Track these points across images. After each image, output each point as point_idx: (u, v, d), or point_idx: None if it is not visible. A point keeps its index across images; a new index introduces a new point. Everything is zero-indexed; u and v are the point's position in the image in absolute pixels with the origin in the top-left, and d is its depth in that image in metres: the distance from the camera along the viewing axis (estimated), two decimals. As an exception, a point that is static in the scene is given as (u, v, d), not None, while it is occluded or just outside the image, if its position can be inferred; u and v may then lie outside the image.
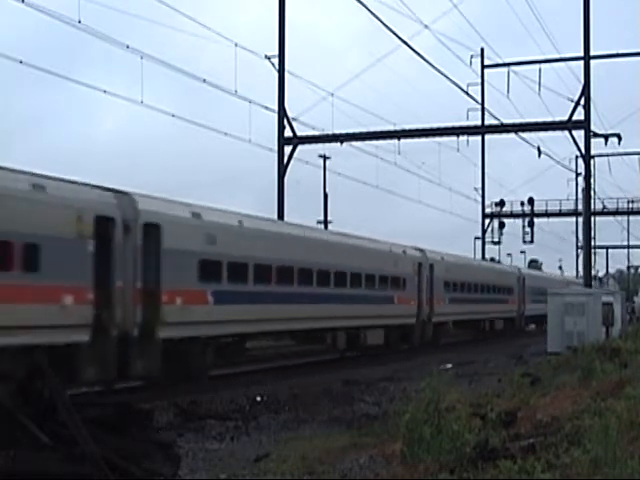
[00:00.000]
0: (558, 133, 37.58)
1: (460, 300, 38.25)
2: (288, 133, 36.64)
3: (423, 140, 39.05)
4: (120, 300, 17.17)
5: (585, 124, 35.71)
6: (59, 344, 15.37)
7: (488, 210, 60.51)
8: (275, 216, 34.56)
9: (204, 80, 31.03)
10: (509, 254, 79.97)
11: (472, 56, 51.66)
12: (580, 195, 46.32)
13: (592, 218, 42.82)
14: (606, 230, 72.57)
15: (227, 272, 20.85)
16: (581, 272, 46.85)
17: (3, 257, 14.53)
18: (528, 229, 61.12)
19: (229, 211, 22.83)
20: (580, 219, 47.10)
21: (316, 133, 37.41)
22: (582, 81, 36.45)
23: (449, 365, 25.54)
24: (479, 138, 51.70)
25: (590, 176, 38.27)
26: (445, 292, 36.41)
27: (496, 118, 36.26)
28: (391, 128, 38.48)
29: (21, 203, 15.02)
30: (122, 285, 17.22)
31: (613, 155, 52.81)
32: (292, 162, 37.02)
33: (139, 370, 17.83)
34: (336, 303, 26.33)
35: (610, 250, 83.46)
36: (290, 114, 36.57)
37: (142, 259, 17.83)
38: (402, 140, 38.35)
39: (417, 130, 38.17)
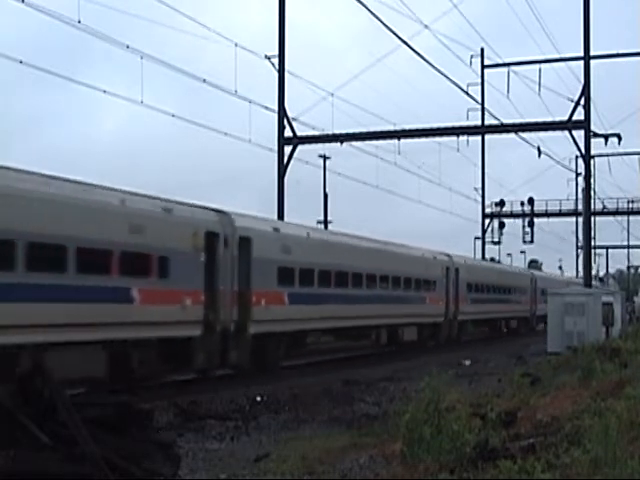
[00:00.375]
0: (558, 133, 37.61)
1: (481, 300, 41.10)
2: (288, 133, 36.64)
3: (423, 140, 39.06)
4: (222, 301, 20.70)
5: (585, 124, 35.70)
6: (181, 337, 19.26)
7: (488, 210, 60.51)
8: (275, 216, 34.57)
9: (204, 80, 31.06)
10: (509, 254, 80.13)
11: (472, 56, 51.75)
12: (580, 195, 46.37)
13: (592, 218, 42.81)
14: (606, 230, 72.67)
15: (299, 277, 24.44)
16: (581, 272, 46.81)
17: (145, 267, 18.28)
18: (528, 229, 61.15)
19: (300, 225, 27.53)
20: (580, 219, 47.12)
21: (316, 133, 37.42)
22: (582, 81, 36.45)
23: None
24: (479, 138, 51.72)
25: (590, 176, 38.26)
26: (468, 293, 39.25)
27: (496, 118, 36.29)
28: (391, 128, 38.49)
29: (157, 223, 18.74)
30: (223, 289, 20.78)
31: (613, 155, 52.87)
32: (292, 162, 37.04)
33: (234, 360, 21.29)
34: (380, 303, 29.41)
35: (610, 250, 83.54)
36: (290, 114, 36.58)
37: (237, 267, 21.44)
38: (402, 140, 38.35)
39: (417, 130, 38.17)
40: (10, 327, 14.59)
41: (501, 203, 60.43)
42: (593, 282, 71.44)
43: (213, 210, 21.44)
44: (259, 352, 22.30)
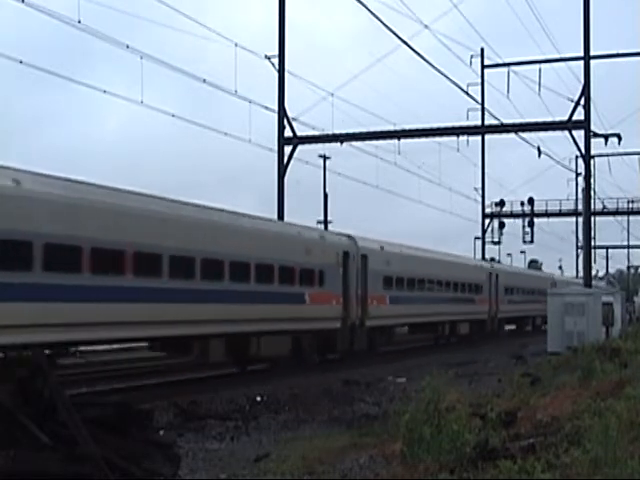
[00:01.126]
0: (558, 133, 37.58)
1: (515, 301, 47.92)
2: (288, 133, 36.64)
3: (423, 140, 39.01)
4: (351, 302, 27.77)
5: (585, 124, 35.69)
6: (330, 329, 26.58)
7: (488, 210, 60.48)
8: (275, 216, 34.59)
9: (204, 80, 31.06)
10: (509, 254, 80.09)
11: (472, 56, 51.71)
12: (580, 195, 46.37)
13: (592, 218, 42.80)
14: (606, 230, 72.65)
15: (395, 283, 31.45)
16: (581, 272, 46.83)
17: (314, 278, 25.67)
18: (528, 229, 61.14)
19: (396, 244, 33.54)
20: (580, 219, 47.11)
21: (316, 133, 37.40)
22: (582, 81, 36.44)
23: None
24: (479, 138, 51.69)
25: (590, 176, 38.25)
26: (505, 295, 45.86)
27: (496, 118, 36.28)
28: (391, 128, 38.46)
29: (318, 247, 26.29)
30: (352, 293, 27.82)
31: (613, 155, 52.85)
32: (292, 162, 37.04)
33: (358, 346, 28.06)
34: (447, 303, 36.77)
35: (610, 250, 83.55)
36: (290, 114, 36.58)
37: (361, 277, 28.50)
38: (402, 140, 38.31)
39: (417, 130, 38.16)
40: (239, 321, 21.57)
41: (501, 203, 60.42)
42: (601, 283, 71.67)
43: (345, 235, 29.01)
44: (371, 341, 29.31)
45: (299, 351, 24.84)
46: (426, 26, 32.04)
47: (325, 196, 50.53)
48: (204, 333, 20.60)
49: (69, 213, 16.59)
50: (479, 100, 44.58)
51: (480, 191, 59.48)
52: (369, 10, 18.52)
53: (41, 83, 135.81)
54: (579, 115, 35.69)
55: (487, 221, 60.35)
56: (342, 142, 38.20)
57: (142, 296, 18.18)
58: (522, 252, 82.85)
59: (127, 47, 26.79)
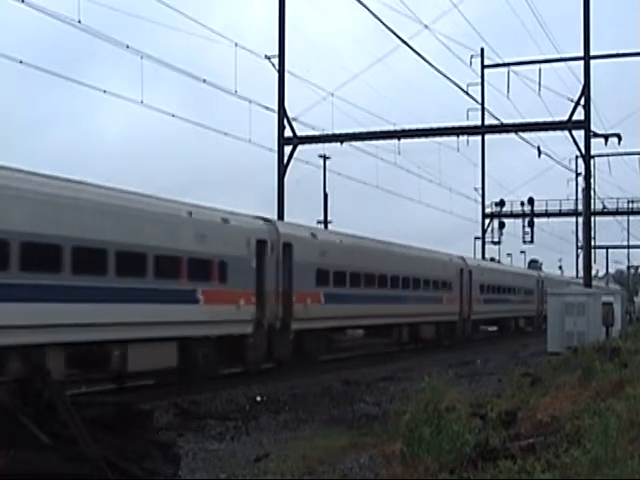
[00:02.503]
0: (558, 133, 37.59)
1: (493, 301, 46.61)
2: (288, 133, 36.64)
3: (423, 140, 39.04)
4: (269, 301, 23.22)
5: (585, 124, 35.70)
6: (237, 335, 22.07)
7: (488, 210, 60.51)
8: (275, 216, 34.56)
9: (204, 80, 31.06)
10: (509, 254, 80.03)
11: (472, 56, 51.74)
12: (580, 195, 46.37)
13: (592, 218, 42.80)
14: (606, 230, 72.63)
15: (334, 279, 27.26)
16: (581, 272, 46.83)
17: (211, 271, 20.81)
18: (528, 229, 61.09)
19: (338, 232, 32.13)
20: (580, 219, 47.12)
21: (316, 133, 37.41)
22: (582, 81, 36.45)
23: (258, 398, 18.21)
24: (479, 138, 51.70)
25: (590, 176, 38.26)
26: (480, 293, 44.86)
27: (496, 118, 36.31)
28: (391, 128, 38.48)
29: (216, 231, 21.27)
30: (269, 290, 23.19)
31: (613, 155, 52.85)
32: (292, 162, 37.03)
33: (279, 354, 23.89)
34: (406, 303, 33.78)
35: (610, 250, 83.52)
36: (290, 114, 36.58)
37: (282, 270, 23.98)
38: (402, 140, 38.31)
39: (417, 130, 38.16)
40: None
41: (501, 203, 60.42)
42: (601, 283, 71.57)
43: (262, 219, 24.80)
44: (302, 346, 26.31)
45: (190, 363, 19.97)
46: (426, 26, 32.11)
47: (325, 196, 50.54)
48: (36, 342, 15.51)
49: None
50: (479, 100, 44.62)
51: (480, 191, 59.61)
52: (369, 10, 18.55)
53: (41, 83, 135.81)
54: (579, 115, 35.73)
55: (487, 221, 60.37)
56: (342, 142, 38.20)
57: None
58: (522, 252, 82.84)
59: (127, 47, 26.82)
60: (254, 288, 22.38)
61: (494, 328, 49.28)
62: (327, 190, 50.47)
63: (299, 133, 36.80)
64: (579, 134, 36.07)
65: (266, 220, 24.33)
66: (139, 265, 18.06)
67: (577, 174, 53.73)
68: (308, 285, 25.15)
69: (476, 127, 41.49)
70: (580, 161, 44.22)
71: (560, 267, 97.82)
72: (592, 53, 36.96)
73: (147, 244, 18.30)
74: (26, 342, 15.15)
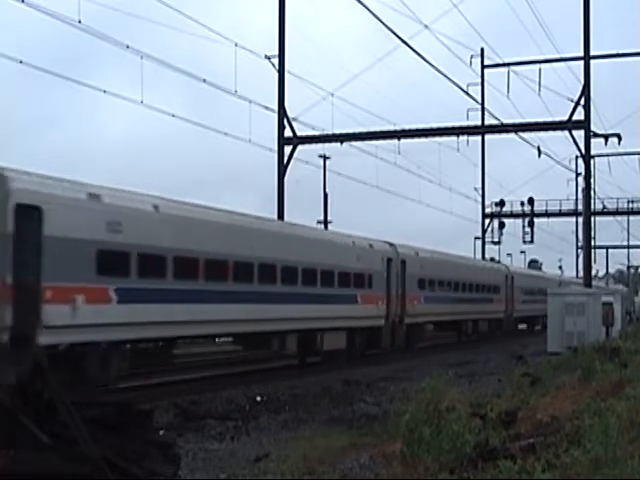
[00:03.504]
0: (558, 133, 37.57)
1: (527, 301, 50.24)
2: (288, 133, 36.63)
3: (423, 140, 39.04)
4: (393, 302, 30.60)
5: (585, 124, 35.69)
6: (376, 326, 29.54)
7: (488, 210, 60.45)
8: (275, 216, 34.58)
9: (204, 80, 31.07)
10: (509, 254, 79.98)
11: (472, 56, 51.66)
12: (580, 195, 46.31)
13: (592, 218, 42.79)
14: (606, 230, 72.58)
15: (428, 285, 34.50)
16: (581, 272, 46.80)
17: (364, 281, 28.76)
18: (528, 229, 61.03)
19: (428, 249, 36.80)
20: (580, 219, 47.10)
21: (316, 133, 37.40)
22: (582, 81, 36.44)
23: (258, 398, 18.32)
24: (479, 138, 51.65)
25: (590, 176, 38.24)
26: (519, 295, 49.14)
27: (496, 118, 36.28)
28: (391, 128, 38.47)
29: (366, 254, 29.27)
30: (393, 294, 30.69)
31: (613, 155, 52.82)
32: (292, 162, 37.02)
33: (398, 342, 30.97)
34: (470, 303, 39.60)
35: (610, 250, 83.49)
36: (290, 114, 36.57)
37: (400, 279, 31.32)
38: (402, 140, 38.30)
39: (417, 130, 38.15)
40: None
41: (501, 203, 60.38)
42: (601, 283, 71.56)
43: (388, 243, 31.79)
44: (408, 336, 32.64)
45: (352, 346, 27.74)
46: (426, 26, 32.07)
47: (325, 196, 50.55)
48: (281, 329, 23.83)
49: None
50: (479, 100, 44.59)
51: (480, 191, 59.54)
52: (369, 10, 18.53)
53: (42, 83, 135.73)
54: (579, 115, 35.71)
55: (487, 221, 60.32)
56: (342, 142, 38.19)
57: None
58: (522, 252, 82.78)
59: (127, 47, 26.82)
60: (385, 293, 30.09)
61: (524, 326, 51.48)
62: (327, 190, 50.57)
63: (299, 133, 36.79)
64: (579, 134, 36.08)
65: (391, 244, 31.76)
66: (331, 279, 26.43)
67: (577, 174, 53.73)
68: (414, 290, 32.82)
69: (476, 127, 41.49)
70: (580, 161, 44.27)
71: (560, 267, 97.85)
72: (592, 53, 36.95)
73: (333, 264, 26.72)
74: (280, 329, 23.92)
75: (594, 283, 45.79)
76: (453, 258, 40.70)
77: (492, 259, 59.51)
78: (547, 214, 63.49)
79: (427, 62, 22.35)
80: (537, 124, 37.47)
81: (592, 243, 41.67)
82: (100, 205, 17.51)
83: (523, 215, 61.45)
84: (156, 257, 18.65)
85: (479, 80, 54.14)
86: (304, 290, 25.05)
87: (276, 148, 36.59)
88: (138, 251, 18.13)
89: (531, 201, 60.01)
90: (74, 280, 16.46)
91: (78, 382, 15.96)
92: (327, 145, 40.76)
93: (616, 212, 63.87)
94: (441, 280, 36.43)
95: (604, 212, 61.32)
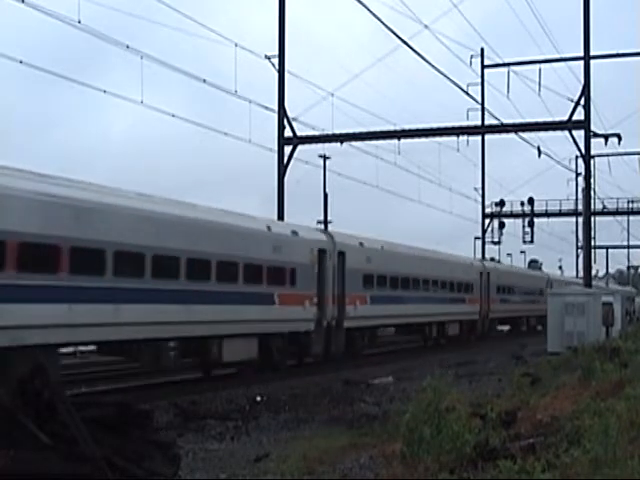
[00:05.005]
0: (558, 133, 37.58)
1: (508, 301, 48.32)
2: (288, 133, 36.63)
3: (423, 140, 39.05)
4: (327, 302, 26.53)
5: (585, 124, 35.69)
6: (303, 331, 25.58)
7: (488, 210, 60.44)
8: (275, 216, 34.55)
9: (204, 80, 31.05)
10: (509, 254, 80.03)
11: (472, 56, 51.69)
12: (580, 195, 46.30)
13: (592, 218, 42.80)
14: (606, 230, 72.63)
15: (377, 282, 30.63)
16: (581, 272, 46.78)
17: (284, 277, 24.16)
18: (528, 229, 61.05)
19: (379, 240, 32.42)
20: (580, 219, 47.10)
21: (316, 133, 37.41)
22: (582, 81, 36.45)
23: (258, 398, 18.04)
24: (479, 138, 51.66)
25: (590, 176, 38.24)
26: (497, 294, 46.55)
27: (496, 118, 36.28)
28: (391, 128, 38.48)
29: (288, 243, 24.68)
30: (327, 293, 26.53)
31: (613, 155, 52.87)
32: (292, 162, 37.02)
33: (335, 348, 27.17)
34: (435, 303, 36.33)
35: (610, 250, 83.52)
36: (290, 114, 36.58)
37: (338, 275, 27.23)
38: (402, 140, 38.31)
39: (417, 130, 38.16)
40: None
41: (501, 203, 60.38)
42: (601, 283, 71.54)
43: (321, 231, 30.21)
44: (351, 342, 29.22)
45: (268, 355, 22.80)
46: (426, 26, 32.08)
47: (325, 196, 50.52)
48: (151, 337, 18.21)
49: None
50: (479, 100, 44.59)
51: (480, 191, 59.50)
52: (369, 10, 18.53)
53: (43, 83, 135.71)
54: (579, 115, 35.72)
55: (487, 221, 60.31)
56: (342, 142, 38.19)
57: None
58: (522, 252, 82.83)
59: (127, 47, 26.82)
60: (316, 291, 26.74)
61: (506, 327, 50.97)
62: (327, 190, 50.50)
63: (299, 133, 36.79)
64: (579, 134, 36.08)
65: (325, 232, 29.86)
66: (234, 273, 21.85)
67: (577, 174, 53.74)
68: (357, 288, 28.89)
69: (476, 127, 41.48)
70: (580, 161, 44.28)
71: (560, 267, 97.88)
72: (592, 53, 36.95)
73: (237, 255, 21.91)
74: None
75: (594, 283, 45.76)
76: (413, 251, 34.85)
77: (492, 259, 59.52)
78: (547, 214, 63.49)
79: (427, 62, 22.37)
80: (537, 124, 37.47)
81: (592, 243, 41.68)
82: (364, 249, 29.38)
83: (523, 215, 61.45)
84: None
85: (479, 80, 54.19)
86: (190, 287, 19.68)
87: (276, 148, 36.61)
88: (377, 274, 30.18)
89: (531, 201, 60.02)
90: (356, 291, 28.09)
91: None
92: (327, 145, 40.80)
93: (616, 212, 63.89)
94: (395, 276, 31.43)
95: (604, 212, 61.35)
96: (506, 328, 51.68)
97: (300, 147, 37.26)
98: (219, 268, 20.71)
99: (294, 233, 24.97)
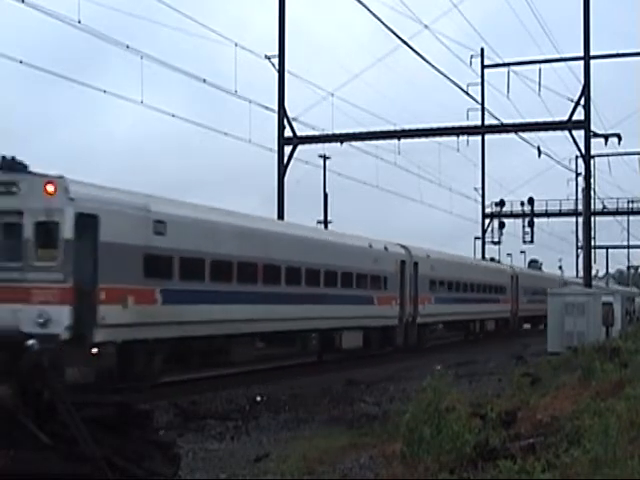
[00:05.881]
0: (558, 133, 37.59)
1: (532, 301, 50.78)
2: (288, 133, 36.62)
3: (423, 140, 39.06)
4: (406, 303, 32.25)
5: (585, 124, 35.69)
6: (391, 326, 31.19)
7: (488, 210, 60.44)
8: (275, 216, 34.56)
9: (204, 80, 31.05)
10: (509, 254, 79.96)
11: (472, 56, 51.69)
12: (580, 195, 46.31)
13: (592, 218, 42.79)
14: (606, 230, 72.60)
15: (438, 286, 36.01)
16: (581, 272, 46.78)
17: (380, 283, 30.44)
18: (528, 229, 61.00)
19: (437, 251, 38.40)
20: (580, 219, 47.10)
21: (316, 133, 37.40)
22: (582, 81, 36.44)
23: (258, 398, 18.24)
24: (479, 138, 51.65)
25: (590, 176, 38.25)
26: (524, 295, 50.27)
27: (496, 118, 36.29)
28: (391, 128, 38.48)
29: (382, 256, 30.83)
30: (406, 295, 32.21)
31: (613, 155, 52.87)
32: (292, 162, 37.01)
33: (410, 341, 32.57)
34: (477, 303, 41.41)
35: (610, 250, 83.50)
36: (290, 114, 36.57)
37: (413, 281, 32.97)
38: (402, 140, 38.32)
39: (417, 130, 38.15)
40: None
41: (501, 203, 60.37)
42: (601, 283, 71.52)
43: (401, 246, 33.53)
44: (421, 336, 34.75)
45: (368, 345, 29.02)
46: (426, 26, 32.08)
47: (325, 196, 50.53)
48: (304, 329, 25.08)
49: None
50: (479, 100, 44.59)
51: (480, 191, 59.53)
52: (369, 10, 18.54)
53: (43, 84, 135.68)
54: (579, 115, 35.72)
55: (487, 221, 60.31)
56: (342, 142, 38.19)
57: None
58: (522, 252, 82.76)
59: (127, 47, 26.83)
60: (399, 293, 32.35)
61: (528, 326, 52.59)
62: (327, 190, 50.57)
63: (299, 133, 36.78)
64: (579, 134, 36.08)
65: (404, 247, 33.43)
66: (350, 280, 28.10)
67: (577, 174, 53.73)
68: (425, 291, 34.44)
69: (476, 127, 41.49)
70: (580, 161, 44.28)
71: (560, 267, 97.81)
72: (592, 53, 36.96)
73: (352, 267, 28.26)
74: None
75: (594, 283, 45.75)
76: (461, 259, 42.75)
77: (492, 259, 59.52)
78: (547, 214, 63.50)
79: (427, 62, 22.38)
80: (537, 124, 37.47)
81: (592, 243, 41.68)
82: (429, 259, 35.34)
83: (523, 215, 61.44)
84: None
85: (479, 80, 54.21)
86: (326, 291, 26.11)
87: (276, 148, 36.60)
88: None
89: (531, 201, 60.01)
90: (424, 293, 34.12)
91: None
92: (327, 145, 40.81)
93: (616, 212, 63.90)
94: (450, 281, 37.78)
95: (604, 212, 61.35)
96: (528, 326, 53.71)
97: (300, 147, 37.26)
98: (342, 277, 27.34)
99: (385, 249, 31.44)
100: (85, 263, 16.58)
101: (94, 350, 16.55)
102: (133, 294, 17.83)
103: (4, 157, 16.80)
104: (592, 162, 39.10)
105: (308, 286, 25.04)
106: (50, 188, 16.20)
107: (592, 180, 40.44)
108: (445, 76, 24.05)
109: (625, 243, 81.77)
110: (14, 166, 16.77)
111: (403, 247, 33.36)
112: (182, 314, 19.13)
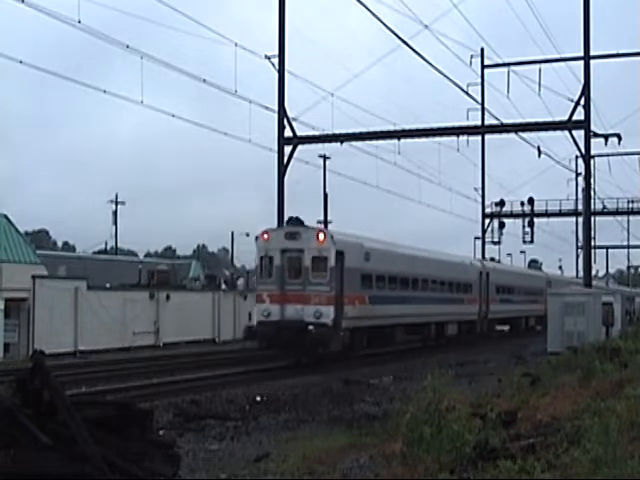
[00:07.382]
0: (558, 133, 37.52)
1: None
2: (288, 133, 36.61)
3: (423, 140, 39.02)
4: (483, 303, 42.61)
5: (585, 124, 35.66)
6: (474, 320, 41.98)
7: (488, 210, 60.43)
8: (275, 216, 34.59)
9: (204, 80, 31.09)
10: (509, 254, 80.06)
11: (472, 56, 51.72)
12: (580, 195, 46.36)
13: (592, 218, 42.77)
14: (606, 230, 72.61)
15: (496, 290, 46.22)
16: (581, 272, 46.75)
17: (468, 288, 41.40)
18: (528, 229, 61.06)
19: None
20: (580, 219, 47.10)
21: (316, 133, 37.39)
22: (582, 81, 36.43)
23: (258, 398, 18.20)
24: (479, 138, 51.63)
25: (590, 176, 38.22)
26: (496, 294, 51.72)
27: (496, 118, 36.30)
28: (391, 128, 38.47)
29: (467, 268, 42.45)
30: (484, 296, 42.90)
31: (613, 155, 52.90)
32: (292, 162, 37.00)
33: (485, 331, 43.38)
34: (523, 304, 51.55)
35: (610, 250, 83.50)
36: (290, 114, 36.55)
37: (487, 285, 43.34)
38: (402, 140, 38.29)
39: (417, 130, 38.13)
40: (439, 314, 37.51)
41: (501, 203, 60.38)
42: (601, 283, 71.51)
43: (479, 260, 47.52)
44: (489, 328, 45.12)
45: (460, 333, 39.30)
46: (426, 26, 32.08)
47: (325, 196, 50.55)
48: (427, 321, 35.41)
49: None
50: (479, 100, 44.63)
51: (480, 191, 59.52)
52: (370, 11, 18.56)
53: (43, 84, 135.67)
54: (579, 115, 35.67)
55: (487, 221, 60.31)
56: (342, 142, 38.16)
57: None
58: (522, 252, 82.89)
59: (127, 47, 26.87)
60: (479, 296, 42.46)
61: (506, 327, 51.23)
62: (327, 190, 50.68)
63: (299, 133, 36.77)
64: (579, 134, 36.03)
65: (480, 261, 46.14)
66: (451, 287, 39.06)
67: (577, 174, 53.76)
68: (493, 293, 44.66)
69: (476, 127, 41.46)
70: (580, 161, 44.31)
71: (560, 267, 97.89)
72: (592, 53, 36.92)
73: (453, 277, 39.64)
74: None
75: (594, 283, 45.74)
76: (513, 268, 56.83)
77: (492, 259, 59.57)
78: (547, 214, 63.49)
79: (427, 62, 22.40)
80: (537, 124, 37.43)
81: (592, 243, 41.66)
82: (497, 269, 48.42)
83: (523, 215, 61.46)
84: None
85: (479, 80, 54.21)
86: (440, 295, 36.98)
87: (276, 148, 36.59)
88: None
89: (531, 201, 60.02)
90: (493, 295, 44.67)
91: None
92: (327, 145, 40.79)
93: (616, 212, 63.86)
94: (502, 286, 47.30)
95: (604, 212, 61.33)
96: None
97: (300, 147, 37.23)
98: (449, 285, 38.31)
99: (471, 264, 43.31)
100: (339, 280, 26.60)
101: (341, 333, 26.86)
102: (357, 298, 28.28)
103: (291, 217, 28.27)
104: (592, 162, 39.07)
105: (432, 292, 36.01)
106: (321, 236, 26.71)
107: (592, 180, 40.42)
108: (445, 76, 24.08)
109: (625, 243, 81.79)
110: (297, 222, 27.67)
111: (480, 261, 46.76)
112: (377, 311, 29.52)
